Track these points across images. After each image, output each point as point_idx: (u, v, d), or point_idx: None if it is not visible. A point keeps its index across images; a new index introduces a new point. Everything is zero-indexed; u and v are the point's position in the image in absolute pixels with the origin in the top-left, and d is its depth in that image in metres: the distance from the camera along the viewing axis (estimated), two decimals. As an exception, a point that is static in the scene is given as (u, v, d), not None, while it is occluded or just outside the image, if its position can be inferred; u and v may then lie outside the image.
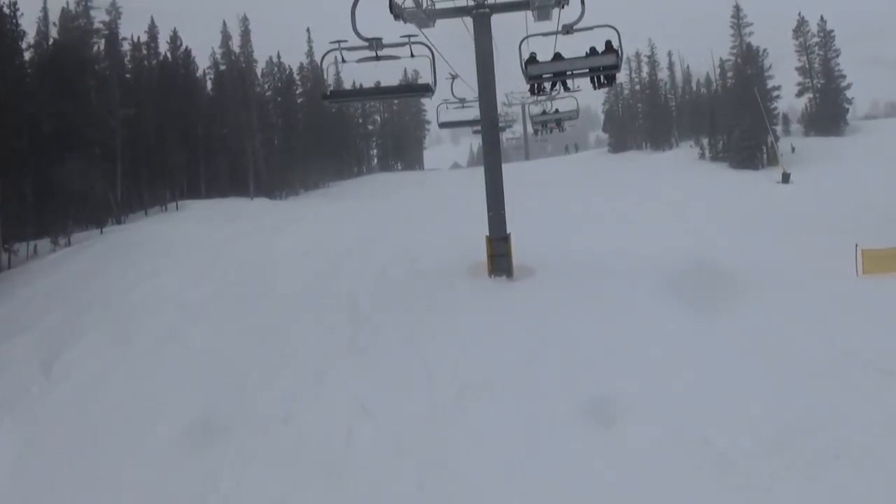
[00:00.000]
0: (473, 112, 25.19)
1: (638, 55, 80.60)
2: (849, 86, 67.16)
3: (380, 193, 54.29)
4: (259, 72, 66.33)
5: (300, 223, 35.63)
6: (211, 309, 18.00)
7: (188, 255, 25.27)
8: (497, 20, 19.48)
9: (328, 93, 15.94)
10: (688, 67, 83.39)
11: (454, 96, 24.99)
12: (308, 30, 73.22)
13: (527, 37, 13.65)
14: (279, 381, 12.36)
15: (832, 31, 67.74)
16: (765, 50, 63.20)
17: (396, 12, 15.26)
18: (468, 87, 23.35)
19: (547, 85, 14.39)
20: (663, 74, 79.08)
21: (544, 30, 14.81)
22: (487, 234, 19.55)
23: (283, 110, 64.59)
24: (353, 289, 19.02)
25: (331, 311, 16.91)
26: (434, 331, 14.44)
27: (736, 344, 12.67)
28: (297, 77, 67.99)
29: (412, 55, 13.92)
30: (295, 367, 13.09)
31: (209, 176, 49.78)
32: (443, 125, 26.48)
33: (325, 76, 16.16)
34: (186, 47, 57.84)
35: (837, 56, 67.62)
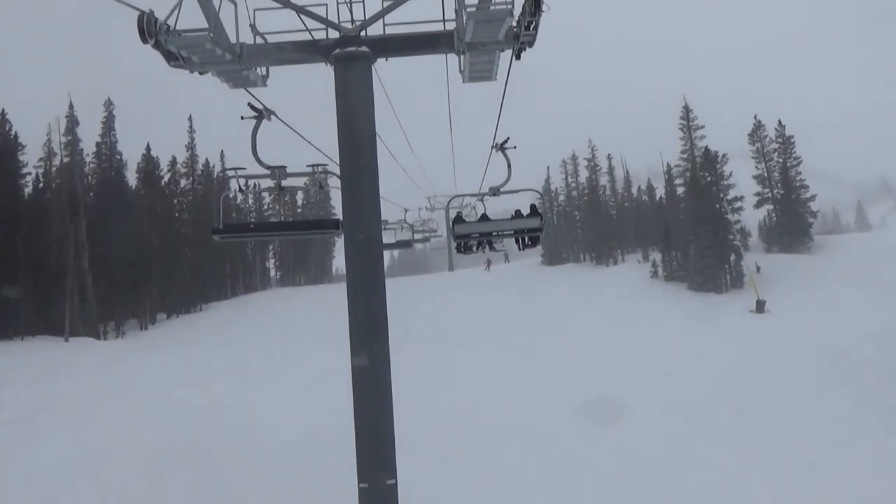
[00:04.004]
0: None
1: (574, 158, 72.06)
2: (812, 197, 59.47)
3: (258, 323, 41.73)
4: (135, 166, 54.90)
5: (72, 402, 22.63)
6: None
7: None
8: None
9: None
10: (627, 173, 75.40)
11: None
12: (190, 118, 61.99)
13: (454, 196, 14.10)
14: None
15: (791, 136, 60.48)
16: (724, 155, 54.59)
17: (170, 45, 6.88)
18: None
19: (473, 243, 11.96)
20: (603, 179, 70.36)
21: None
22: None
23: (152, 214, 51.96)
24: None
25: None
26: None
27: None
28: (165, 170, 56.19)
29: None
30: None
31: (11, 307, 36.00)
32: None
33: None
34: (16, 133, 45.72)
35: (798, 164, 60.09)
